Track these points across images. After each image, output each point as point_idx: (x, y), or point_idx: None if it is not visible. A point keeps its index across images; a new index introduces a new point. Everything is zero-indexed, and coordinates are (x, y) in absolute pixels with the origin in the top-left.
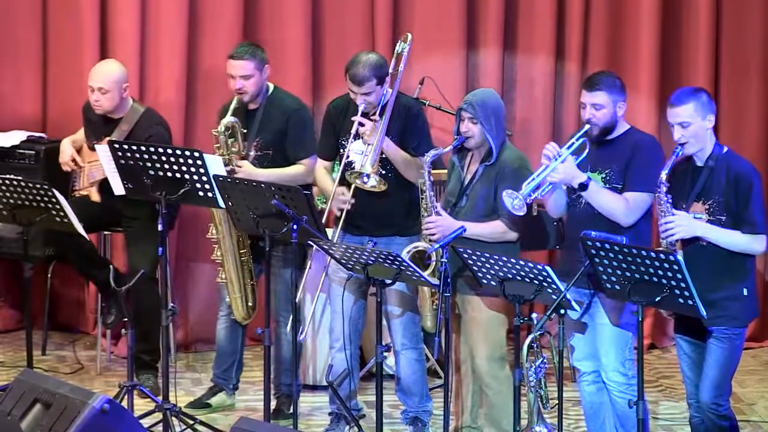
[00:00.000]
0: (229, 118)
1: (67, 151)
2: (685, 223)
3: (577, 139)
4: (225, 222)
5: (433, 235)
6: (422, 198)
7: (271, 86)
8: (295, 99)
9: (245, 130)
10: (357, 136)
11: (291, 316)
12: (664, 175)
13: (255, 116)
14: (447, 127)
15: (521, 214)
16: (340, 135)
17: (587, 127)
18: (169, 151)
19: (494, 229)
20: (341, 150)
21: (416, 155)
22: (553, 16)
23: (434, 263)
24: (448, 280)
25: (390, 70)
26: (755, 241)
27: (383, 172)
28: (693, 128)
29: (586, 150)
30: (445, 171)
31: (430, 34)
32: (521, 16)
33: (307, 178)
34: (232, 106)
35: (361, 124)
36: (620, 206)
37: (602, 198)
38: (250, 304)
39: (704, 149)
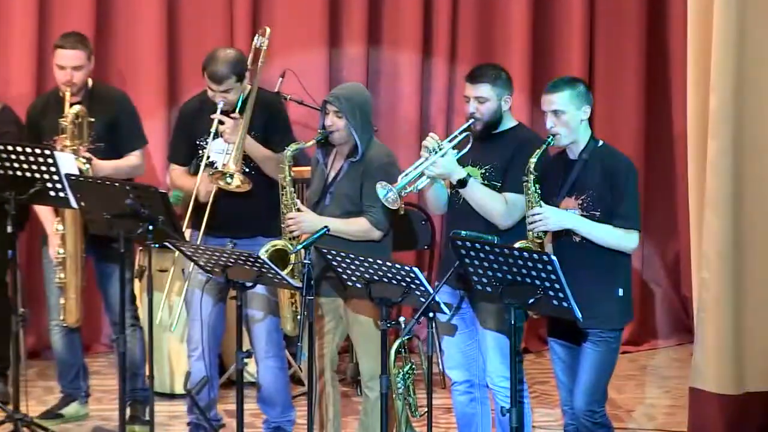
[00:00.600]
0: (77, 107)
1: None
2: (554, 215)
3: (460, 133)
4: (74, 222)
5: (293, 231)
6: (282, 194)
7: (90, 81)
8: (118, 90)
9: (92, 119)
10: (217, 135)
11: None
12: (532, 164)
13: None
14: (310, 123)
15: (394, 207)
16: (196, 137)
17: (471, 121)
18: (18, 149)
19: (359, 227)
20: (199, 152)
21: (279, 151)
22: (419, 10)
23: (294, 263)
24: (311, 282)
25: (249, 66)
26: (628, 237)
27: (246, 170)
28: (566, 118)
29: (469, 145)
30: (308, 168)
31: (292, 28)
32: (386, 9)
33: (140, 170)
34: (68, 97)
35: (221, 123)
36: (498, 207)
37: (480, 197)
38: (80, 306)
39: (578, 142)
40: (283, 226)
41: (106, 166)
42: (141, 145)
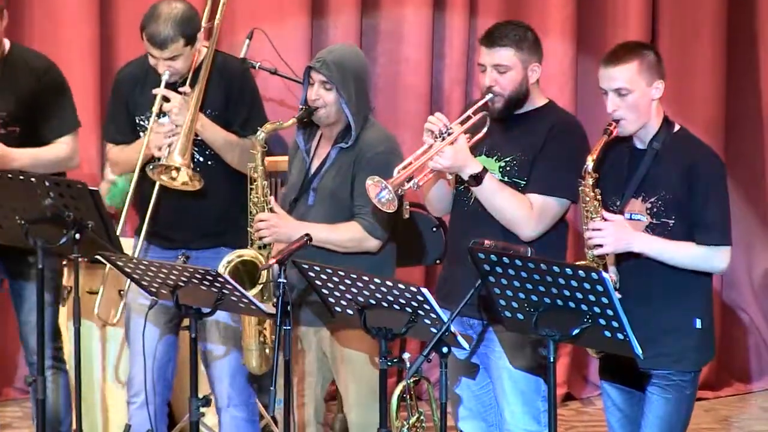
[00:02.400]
0: None
1: None
2: (619, 234)
3: (475, 112)
4: None
5: (263, 238)
6: (252, 189)
7: (7, 43)
8: (43, 57)
9: None
10: (161, 114)
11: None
12: (590, 162)
13: None
14: (286, 99)
15: (390, 210)
16: (135, 113)
17: (488, 96)
18: None
19: (350, 234)
20: (140, 133)
21: (244, 135)
22: None
23: (265, 282)
24: (288, 307)
25: (203, 24)
26: (716, 255)
27: (200, 159)
28: (634, 98)
29: (485, 128)
30: (285, 158)
31: None
32: None
33: (71, 162)
34: None
35: (165, 99)
36: (521, 212)
37: (498, 198)
38: None
39: (648, 127)
40: (251, 230)
41: (21, 157)
42: (71, 129)
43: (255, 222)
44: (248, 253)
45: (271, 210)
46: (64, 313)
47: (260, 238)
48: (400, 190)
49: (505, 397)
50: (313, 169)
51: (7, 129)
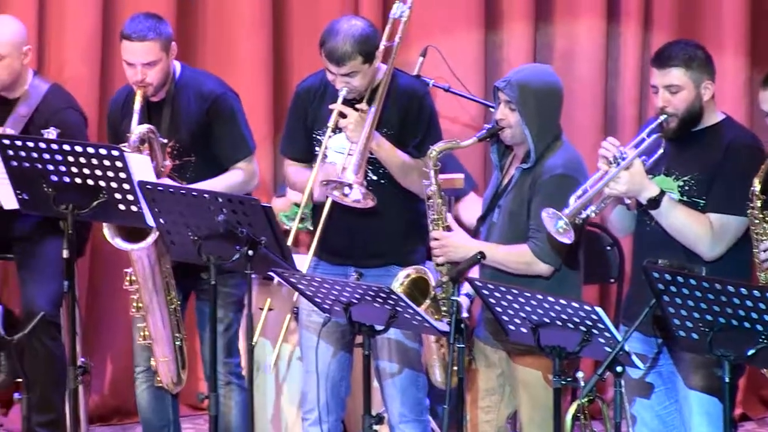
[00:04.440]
0: (141, 127)
1: None
2: None
3: (649, 135)
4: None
5: (438, 257)
6: (429, 207)
7: (178, 66)
8: (216, 80)
9: (165, 141)
10: (337, 129)
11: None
12: (757, 185)
13: (162, 111)
14: (459, 117)
15: (568, 241)
16: (313, 127)
17: (662, 118)
18: (78, 148)
19: (519, 257)
20: (315, 147)
21: (419, 156)
22: None
23: (440, 296)
24: (462, 325)
25: (383, 42)
26: None
27: (373, 178)
28: None
29: (660, 150)
30: (459, 176)
31: None
32: None
33: (247, 186)
34: (137, 106)
35: (342, 115)
36: (702, 232)
37: (678, 219)
38: (180, 366)
39: None
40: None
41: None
42: (245, 155)
43: (430, 240)
44: (420, 271)
45: (447, 228)
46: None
47: (435, 257)
48: (576, 220)
49: (691, 418)
50: (501, 187)
51: (182, 159)
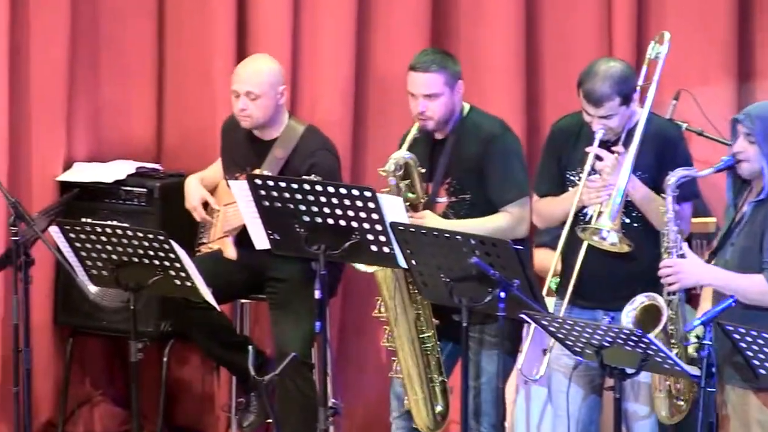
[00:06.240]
0: (401, 153)
1: (195, 192)
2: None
3: None
4: (397, 291)
5: (671, 285)
6: (663, 234)
7: (466, 107)
8: (496, 121)
9: (423, 170)
10: (593, 172)
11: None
12: None
13: (443, 149)
14: (713, 161)
15: None
16: (566, 167)
17: None
18: (331, 189)
19: (751, 286)
20: (568, 188)
21: None
22: None
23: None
24: (713, 369)
25: (639, 83)
26: None
27: (627, 221)
28: None
29: None
30: (712, 220)
31: (687, 33)
32: None
33: (514, 231)
34: (410, 136)
35: (598, 158)
36: None
37: None
38: (439, 409)
39: None
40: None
41: (456, 228)
42: (514, 199)
43: (661, 268)
44: (643, 299)
45: (682, 255)
46: None
47: (668, 284)
48: None
49: None
50: (734, 222)
51: (458, 197)
